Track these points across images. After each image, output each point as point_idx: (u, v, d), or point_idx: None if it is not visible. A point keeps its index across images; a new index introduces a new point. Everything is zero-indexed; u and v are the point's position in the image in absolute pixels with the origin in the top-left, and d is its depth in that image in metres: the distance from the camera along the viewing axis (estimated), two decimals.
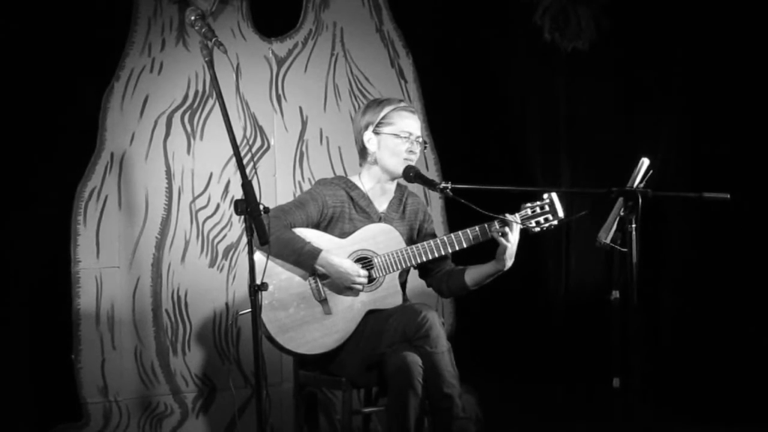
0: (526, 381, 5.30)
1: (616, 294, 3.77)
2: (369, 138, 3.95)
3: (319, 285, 3.83)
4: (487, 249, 3.93)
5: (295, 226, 3.86)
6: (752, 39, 5.27)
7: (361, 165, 4.04)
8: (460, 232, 3.89)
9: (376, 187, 4.00)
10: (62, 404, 4.48)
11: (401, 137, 3.91)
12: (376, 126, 3.93)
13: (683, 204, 5.37)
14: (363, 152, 3.99)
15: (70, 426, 4.48)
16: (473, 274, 3.98)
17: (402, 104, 3.98)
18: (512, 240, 3.82)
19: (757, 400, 5.05)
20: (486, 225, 3.85)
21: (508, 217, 3.83)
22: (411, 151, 3.93)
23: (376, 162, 3.96)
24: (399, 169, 3.94)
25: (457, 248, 3.88)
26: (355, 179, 4.02)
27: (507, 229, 3.81)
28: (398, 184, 4.06)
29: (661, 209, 5.43)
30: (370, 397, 4.16)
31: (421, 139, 3.97)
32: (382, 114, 3.93)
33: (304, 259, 3.79)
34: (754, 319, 5.29)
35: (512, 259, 3.87)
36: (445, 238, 3.88)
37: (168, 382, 4.63)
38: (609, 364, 3.94)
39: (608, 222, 3.77)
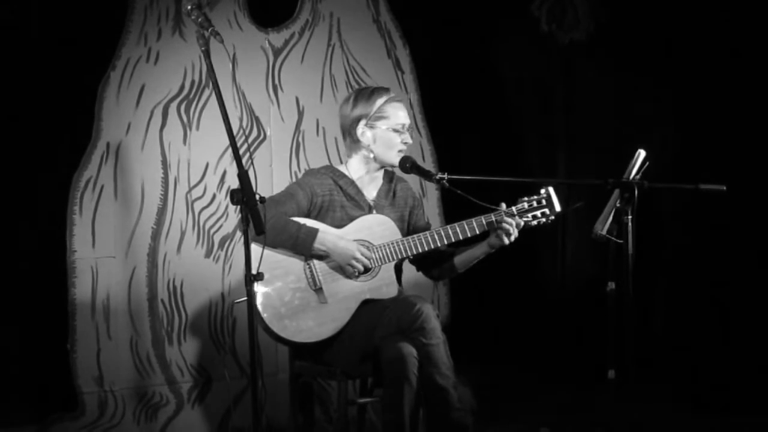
0: (521, 372, 5.31)
1: (611, 285, 3.76)
2: (362, 131, 3.93)
3: (315, 273, 3.82)
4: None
5: (287, 216, 3.85)
6: (750, 31, 5.27)
7: (349, 155, 4.02)
8: (456, 225, 3.85)
9: (365, 176, 3.99)
10: (57, 394, 4.48)
11: (397, 131, 3.92)
12: (370, 119, 3.92)
13: (679, 195, 5.37)
14: (355, 144, 3.98)
15: (66, 416, 4.48)
16: (464, 258, 4.00)
17: (392, 94, 3.98)
18: (512, 239, 3.82)
19: (753, 389, 5.06)
20: (488, 221, 3.84)
21: (505, 210, 3.82)
22: (405, 143, 3.94)
23: (370, 153, 3.95)
24: (395, 160, 3.94)
25: (453, 240, 3.87)
26: (342, 168, 4.01)
27: (509, 227, 3.80)
28: (386, 171, 4.05)
29: (658, 201, 5.43)
30: (365, 388, 4.16)
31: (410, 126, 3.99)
32: (375, 107, 3.91)
33: (302, 241, 3.78)
34: (749, 308, 5.30)
35: None
36: (441, 231, 3.86)
37: (163, 372, 4.63)
38: (604, 355, 3.93)
39: (604, 213, 3.77)
